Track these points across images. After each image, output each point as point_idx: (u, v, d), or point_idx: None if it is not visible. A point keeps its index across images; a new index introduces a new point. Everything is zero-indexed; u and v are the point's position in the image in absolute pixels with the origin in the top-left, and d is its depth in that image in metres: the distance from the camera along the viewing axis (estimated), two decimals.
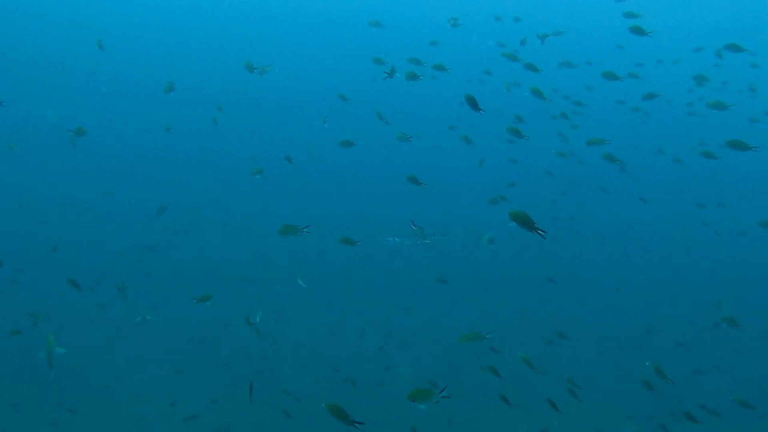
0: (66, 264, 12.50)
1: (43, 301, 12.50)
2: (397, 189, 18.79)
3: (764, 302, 15.94)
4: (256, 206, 21.69)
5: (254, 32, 37.86)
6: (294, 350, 13.15)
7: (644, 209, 19.53)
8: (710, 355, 13.76)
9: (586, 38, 30.86)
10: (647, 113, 18.17)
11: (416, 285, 16.51)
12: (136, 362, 12.16)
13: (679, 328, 15.00)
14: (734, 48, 9.72)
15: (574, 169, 18.06)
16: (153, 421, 10.35)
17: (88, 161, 22.84)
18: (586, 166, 16.41)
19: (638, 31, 9.18)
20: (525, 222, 4.31)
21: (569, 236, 20.19)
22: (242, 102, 28.61)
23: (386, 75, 8.81)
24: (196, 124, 26.74)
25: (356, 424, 4.53)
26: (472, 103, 6.51)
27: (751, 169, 24.61)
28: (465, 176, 24.60)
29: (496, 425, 10.74)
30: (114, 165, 23.82)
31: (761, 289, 17.06)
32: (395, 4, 35.27)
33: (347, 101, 11.86)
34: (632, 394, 11.60)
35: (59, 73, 31.15)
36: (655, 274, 18.83)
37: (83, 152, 19.42)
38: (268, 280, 16.34)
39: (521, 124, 12.21)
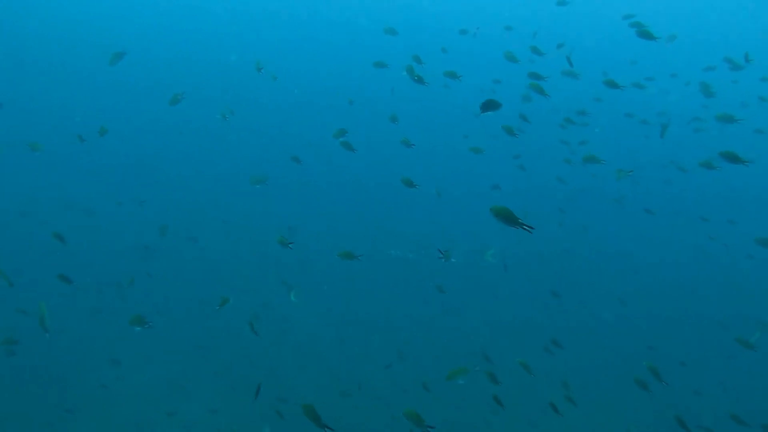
0: (66, 264, 12.41)
1: (43, 301, 12.40)
2: (399, 192, 18.73)
3: None
4: (258, 207, 21.61)
5: (256, 34, 37.92)
6: (296, 354, 13.10)
7: (653, 222, 19.42)
8: (713, 372, 13.70)
9: (601, 52, 31.00)
10: (660, 125, 18.21)
11: (417, 286, 16.48)
12: (136, 363, 12.11)
13: (684, 343, 14.89)
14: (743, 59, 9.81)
15: (584, 180, 18.02)
16: (152, 423, 10.30)
17: (89, 162, 22.77)
18: (598, 179, 16.38)
19: (646, 35, 9.19)
20: (508, 218, 4.06)
21: (576, 244, 20.03)
22: (243, 102, 28.56)
23: (416, 79, 8.87)
24: (196, 124, 26.73)
25: (327, 429, 4.58)
26: (487, 106, 6.46)
27: (758, 182, 24.49)
28: (471, 181, 24.49)
29: None
30: (115, 165, 23.73)
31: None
32: (403, 10, 35.35)
33: (352, 104, 11.88)
34: (632, 404, 11.62)
35: (60, 73, 31.07)
36: (662, 289, 18.61)
37: (86, 153, 19.35)
38: (269, 284, 16.28)
39: (525, 123, 12.24)
